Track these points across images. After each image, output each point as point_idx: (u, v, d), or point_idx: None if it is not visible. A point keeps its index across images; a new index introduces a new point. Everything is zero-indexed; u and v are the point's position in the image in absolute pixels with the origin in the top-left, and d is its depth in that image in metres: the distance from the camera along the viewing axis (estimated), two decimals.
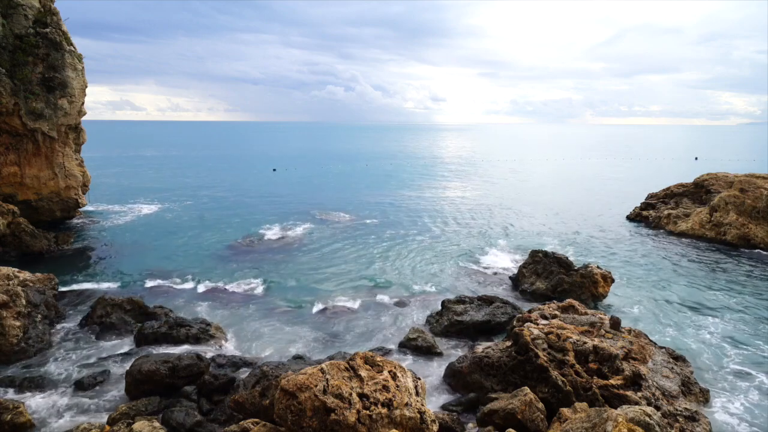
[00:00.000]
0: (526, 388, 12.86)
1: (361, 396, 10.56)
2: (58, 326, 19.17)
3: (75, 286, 23.73)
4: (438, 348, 17.61)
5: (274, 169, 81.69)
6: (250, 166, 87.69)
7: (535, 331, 14.66)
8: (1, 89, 29.36)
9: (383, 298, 23.12)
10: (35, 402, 14.20)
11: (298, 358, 16.37)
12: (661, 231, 34.46)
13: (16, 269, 19.59)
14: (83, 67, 33.72)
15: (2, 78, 29.45)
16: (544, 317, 16.40)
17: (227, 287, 24.12)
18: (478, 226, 38.90)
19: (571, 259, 24.92)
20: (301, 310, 21.53)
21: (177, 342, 17.84)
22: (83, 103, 34.48)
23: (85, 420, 13.20)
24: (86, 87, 34.41)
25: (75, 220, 37.18)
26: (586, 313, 16.98)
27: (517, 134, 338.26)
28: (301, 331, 19.46)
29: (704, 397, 14.31)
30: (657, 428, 10.43)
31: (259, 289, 23.95)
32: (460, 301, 20.95)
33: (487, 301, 21.02)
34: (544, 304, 18.20)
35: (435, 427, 10.99)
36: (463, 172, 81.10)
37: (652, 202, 38.38)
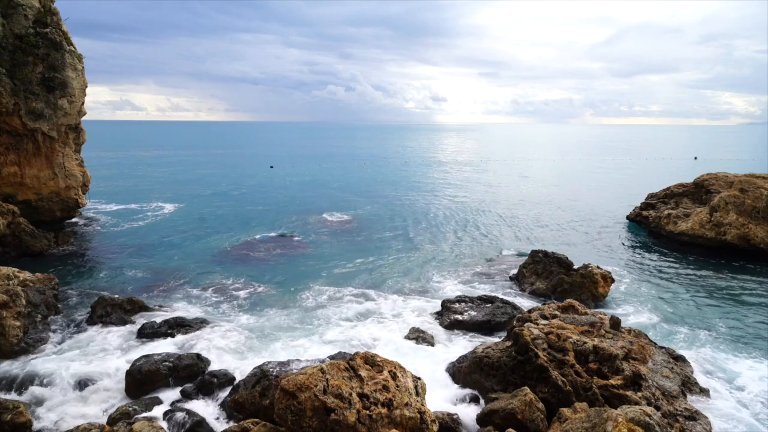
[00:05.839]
0: (526, 388, 12.85)
1: (361, 396, 10.56)
2: (58, 326, 19.17)
3: (75, 286, 23.74)
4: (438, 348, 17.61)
5: (272, 166, 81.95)
6: (249, 166, 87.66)
7: (535, 331, 14.65)
8: (1, 89, 29.36)
9: (383, 298, 23.12)
10: (35, 402, 14.20)
11: (297, 358, 16.36)
12: (661, 231, 34.43)
13: (16, 269, 19.60)
14: (83, 67, 33.71)
15: (2, 78, 29.45)
16: (544, 317, 16.39)
17: (227, 287, 24.14)
18: (478, 225, 38.90)
19: (571, 259, 24.90)
20: (301, 311, 21.53)
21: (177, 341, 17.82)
22: (83, 103, 34.47)
23: (85, 420, 13.20)
24: (86, 87, 34.40)
25: (75, 220, 37.19)
26: (586, 313, 16.97)
27: (518, 134, 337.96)
28: (301, 331, 19.45)
29: (704, 397, 14.31)
30: (657, 428, 10.43)
31: (259, 290, 23.95)
32: (460, 300, 20.97)
33: (487, 301, 21.04)
34: (544, 304, 18.20)
35: (435, 427, 10.99)
36: (463, 171, 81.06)
37: (652, 202, 38.30)
